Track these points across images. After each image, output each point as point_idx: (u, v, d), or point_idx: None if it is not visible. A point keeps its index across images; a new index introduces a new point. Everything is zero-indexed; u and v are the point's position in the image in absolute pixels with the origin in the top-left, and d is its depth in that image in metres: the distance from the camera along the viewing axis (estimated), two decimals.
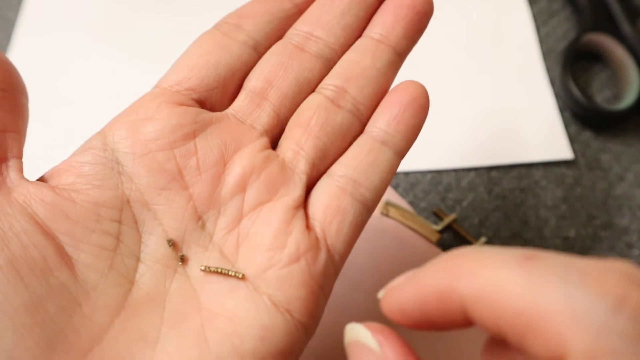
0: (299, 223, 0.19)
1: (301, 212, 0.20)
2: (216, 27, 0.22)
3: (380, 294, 0.15)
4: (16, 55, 0.39)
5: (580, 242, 0.33)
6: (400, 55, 0.22)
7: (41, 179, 0.19)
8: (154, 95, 0.21)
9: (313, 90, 0.22)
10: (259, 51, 0.22)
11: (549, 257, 0.13)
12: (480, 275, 0.13)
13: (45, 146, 0.34)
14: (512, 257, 0.13)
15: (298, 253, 0.19)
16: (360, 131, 0.21)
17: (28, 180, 0.18)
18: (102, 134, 0.20)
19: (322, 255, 0.19)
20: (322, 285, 0.19)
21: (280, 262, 0.18)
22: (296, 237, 0.19)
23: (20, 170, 0.18)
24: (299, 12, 0.23)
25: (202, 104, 0.21)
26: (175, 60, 0.22)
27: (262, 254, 0.19)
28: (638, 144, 0.36)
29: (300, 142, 0.20)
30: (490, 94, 0.37)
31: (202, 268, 0.19)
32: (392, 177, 0.21)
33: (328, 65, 0.22)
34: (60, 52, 0.39)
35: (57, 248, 0.17)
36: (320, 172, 0.21)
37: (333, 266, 0.19)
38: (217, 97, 0.21)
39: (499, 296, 0.12)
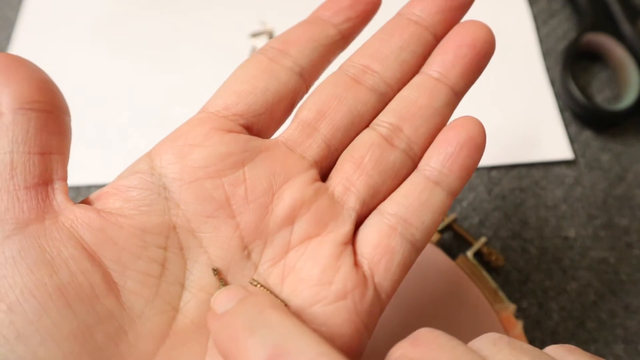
0: (347, 260, 0.19)
1: (350, 249, 0.19)
2: (262, 52, 0.21)
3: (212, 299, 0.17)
4: None
5: (580, 242, 0.33)
6: (457, 94, 0.22)
7: (86, 201, 0.18)
8: (202, 121, 0.20)
9: (366, 125, 0.21)
10: (304, 78, 0.21)
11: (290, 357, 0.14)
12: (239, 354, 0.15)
13: None
14: (261, 351, 0.14)
15: (345, 290, 0.18)
16: (412, 170, 0.21)
17: (74, 204, 0.18)
18: (149, 157, 0.19)
19: (370, 293, 0.19)
20: (367, 324, 0.19)
21: (327, 298, 0.18)
22: (344, 274, 0.19)
23: (66, 192, 0.18)
24: (343, 38, 0.22)
25: (250, 129, 0.21)
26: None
27: (309, 288, 0.18)
28: (638, 144, 0.36)
29: (351, 179, 0.20)
30: (490, 94, 0.37)
31: (252, 282, 0.19)
32: (443, 218, 0.20)
33: (382, 100, 0.22)
34: (60, 52, 0.39)
35: (104, 274, 0.17)
36: (369, 209, 0.20)
37: (379, 305, 0.19)
38: (264, 123, 0.21)
39: None
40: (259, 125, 0.21)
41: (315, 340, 0.15)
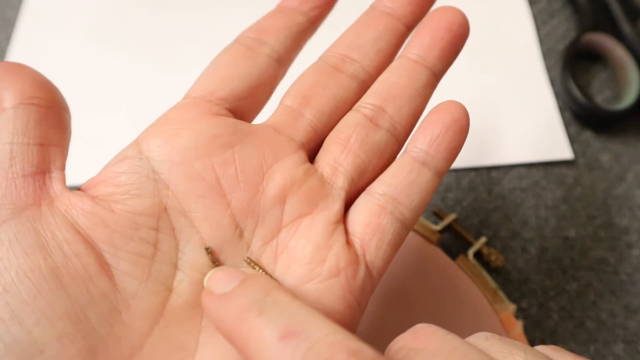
0: (339, 238, 0.19)
1: (341, 227, 0.20)
2: (239, 41, 0.22)
3: (205, 281, 0.18)
4: (16, 55, 0.39)
5: (580, 242, 0.33)
6: (436, 76, 0.23)
7: (79, 190, 0.19)
8: (188, 106, 0.21)
9: (349, 109, 0.22)
10: (281, 63, 0.22)
11: (301, 337, 0.14)
12: (246, 337, 0.15)
13: None
14: (270, 332, 0.15)
15: (338, 267, 0.19)
16: (397, 150, 0.22)
17: (70, 191, 0.18)
18: (136, 143, 0.20)
19: (361, 271, 0.19)
20: (359, 301, 0.19)
21: (320, 276, 0.19)
22: (337, 252, 0.19)
23: (63, 181, 0.19)
24: (312, 25, 0.23)
25: (234, 113, 0.21)
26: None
27: (302, 266, 0.19)
28: (638, 144, 0.36)
29: (339, 159, 0.21)
30: (490, 94, 0.37)
31: (246, 259, 0.19)
32: (431, 197, 0.21)
33: (362, 87, 0.23)
34: (60, 51, 0.39)
35: (97, 256, 0.17)
36: (357, 189, 0.21)
37: (371, 282, 0.20)
38: (247, 108, 0.22)
39: None
40: (243, 109, 0.21)
41: (323, 320, 0.15)
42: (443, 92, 0.37)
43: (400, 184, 0.20)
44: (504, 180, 0.34)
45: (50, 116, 0.19)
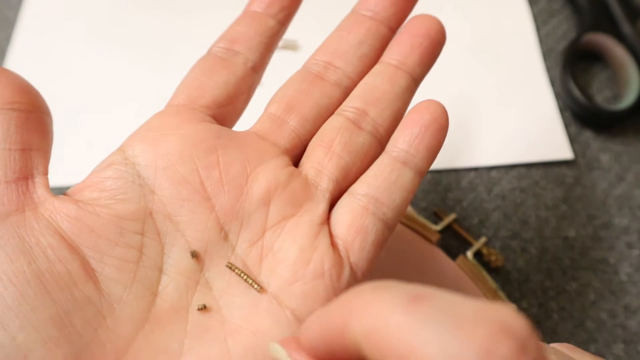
0: (324, 239, 0.19)
1: (326, 229, 0.20)
2: (212, 52, 0.23)
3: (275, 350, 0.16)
4: (16, 55, 0.39)
5: (580, 242, 0.33)
6: (415, 80, 0.23)
7: (65, 195, 0.19)
8: (171, 113, 0.21)
9: (331, 115, 0.23)
10: (256, 70, 0.23)
11: (435, 299, 0.13)
12: (369, 315, 0.13)
13: None
14: (400, 298, 0.13)
15: (323, 269, 0.19)
16: (379, 152, 0.22)
17: (54, 196, 0.18)
18: (121, 149, 0.20)
19: (346, 272, 0.19)
20: None
21: (305, 277, 0.19)
22: (321, 253, 0.19)
23: (47, 186, 0.19)
24: (282, 26, 0.24)
25: (216, 120, 0.22)
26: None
27: (287, 268, 0.19)
28: (638, 144, 0.36)
29: (323, 162, 0.21)
30: (490, 94, 0.37)
31: (229, 265, 0.19)
32: (412, 196, 0.21)
33: (346, 93, 0.23)
34: (60, 51, 0.39)
35: (82, 262, 0.17)
36: (342, 190, 0.21)
37: (355, 283, 0.20)
38: (227, 115, 0.22)
39: (384, 337, 0.13)
40: (223, 116, 0.22)
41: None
42: (443, 92, 0.37)
43: (382, 185, 0.20)
44: (504, 180, 0.34)
45: (31, 120, 0.19)
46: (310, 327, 0.15)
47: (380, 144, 0.22)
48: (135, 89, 0.38)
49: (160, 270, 0.19)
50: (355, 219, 0.20)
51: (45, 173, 0.19)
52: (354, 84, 0.23)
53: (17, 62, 0.39)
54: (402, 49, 0.23)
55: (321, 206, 0.20)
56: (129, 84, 0.38)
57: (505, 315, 0.12)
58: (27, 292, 0.16)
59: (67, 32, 0.40)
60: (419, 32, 0.23)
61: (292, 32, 0.39)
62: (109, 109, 0.37)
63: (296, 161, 0.22)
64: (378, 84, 0.22)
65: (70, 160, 0.35)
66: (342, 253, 0.20)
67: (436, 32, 0.23)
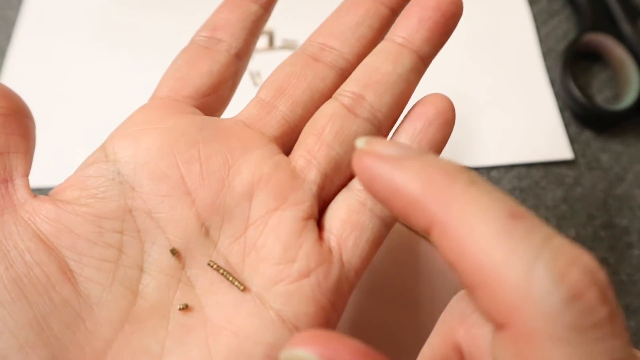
0: (310, 235, 0.19)
1: (312, 224, 0.19)
2: (194, 42, 0.22)
3: (360, 144, 0.15)
4: (16, 55, 0.39)
5: (580, 242, 0.33)
6: (424, 60, 0.21)
7: (49, 195, 0.19)
8: (154, 106, 0.20)
9: (327, 99, 0.21)
10: (240, 57, 0.22)
11: (533, 222, 0.12)
12: (459, 208, 0.12)
13: (45, 146, 0.34)
14: (498, 208, 0.12)
15: (309, 268, 0.18)
16: None
17: (35, 197, 0.18)
18: (103, 146, 0.19)
19: (335, 271, 0.18)
20: (333, 302, 0.18)
21: (290, 277, 0.18)
22: (307, 251, 0.18)
23: (27, 188, 0.18)
24: (265, 10, 0.23)
25: (201, 110, 0.21)
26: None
27: (271, 267, 0.18)
28: (638, 144, 0.36)
29: (312, 151, 0.20)
30: (490, 94, 0.37)
31: (210, 263, 0.18)
32: None
33: (342, 75, 0.22)
34: (60, 51, 0.39)
35: (60, 264, 0.17)
36: (334, 183, 0.20)
37: (347, 282, 0.19)
38: (212, 104, 0.21)
39: (468, 239, 0.12)
40: (209, 105, 0.21)
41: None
42: (443, 92, 0.37)
43: None
44: (504, 180, 0.34)
45: (10, 124, 0.18)
46: (377, 170, 0.14)
47: (378, 130, 0.20)
48: (135, 89, 0.38)
49: (141, 269, 0.18)
50: (351, 215, 0.19)
51: (26, 175, 0.19)
52: (352, 65, 0.22)
53: (17, 62, 0.39)
54: (408, 24, 0.21)
55: (307, 200, 0.19)
56: (129, 84, 0.38)
57: (592, 262, 0.12)
58: (4, 298, 0.16)
59: (68, 32, 0.40)
60: (429, 4, 0.21)
61: (292, 32, 0.39)
62: (109, 109, 0.37)
63: (289, 148, 0.21)
64: (379, 64, 0.21)
65: (70, 161, 0.35)
66: (334, 250, 0.19)
67: (449, 3, 0.21)
